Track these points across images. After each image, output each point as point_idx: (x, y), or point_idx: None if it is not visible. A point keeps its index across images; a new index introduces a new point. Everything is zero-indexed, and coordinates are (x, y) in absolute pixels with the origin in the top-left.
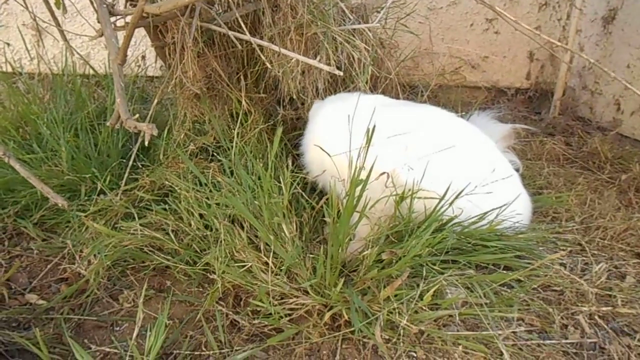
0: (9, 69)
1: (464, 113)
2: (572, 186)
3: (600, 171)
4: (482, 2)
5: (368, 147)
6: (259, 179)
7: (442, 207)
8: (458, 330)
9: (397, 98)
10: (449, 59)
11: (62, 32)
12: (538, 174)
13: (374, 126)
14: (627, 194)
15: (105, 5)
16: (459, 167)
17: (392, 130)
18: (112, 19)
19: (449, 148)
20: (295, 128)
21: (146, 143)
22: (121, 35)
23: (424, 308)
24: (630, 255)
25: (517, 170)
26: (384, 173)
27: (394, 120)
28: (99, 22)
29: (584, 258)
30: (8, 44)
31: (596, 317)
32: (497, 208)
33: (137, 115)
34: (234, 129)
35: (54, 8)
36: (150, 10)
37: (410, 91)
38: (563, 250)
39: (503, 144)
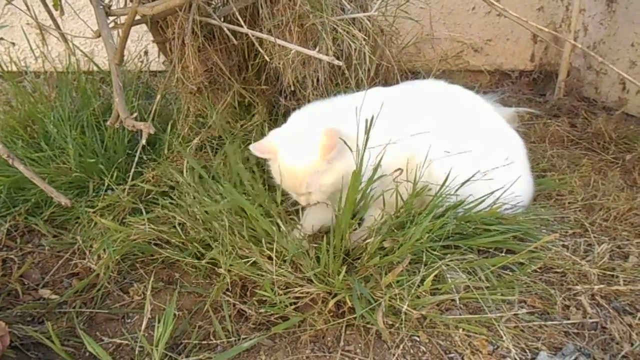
0: (15, 69)
1: None
2: (576, 167)
3: (604, 151)
4: None
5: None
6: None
7: (443, 194)
8: (460, 314)
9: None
10: (451, 43)
11: (61, 34)
12: (542, 156)
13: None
14: (631, 173)
15: (102, 7)
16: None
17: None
18: (111, 18)
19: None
20: None
21: (143, 142)
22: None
23: (425, 293)
24: (634, 235)
25: None
26: (398, 169)
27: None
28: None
29: (587, 239)
30: (13, 44)
31: (598, 297)
32: (494, 192)
33: (135, 114)
34: (238, 122)
35: (52, 10)
36: (144, 12)
37: (412, 77)
38: (564, 232)
39: None
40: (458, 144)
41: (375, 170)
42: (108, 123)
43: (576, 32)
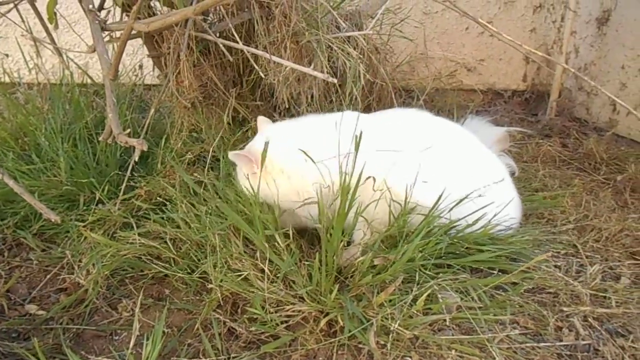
0: (8, 80)
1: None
2: (568, 187)
3: (596, 172)
4: (464, 14)
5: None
6: None
7: (433, 215)
8: (453, 335)
9: (392, 104)
10: (445, 62)
11: (56, 48)
12: (534, 176)
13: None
14: (622, 194)
15: (97, 22)
16: (451, 174)
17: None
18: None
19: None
20: None
21: (136, 159)
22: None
23: (417, 313)
24: (625, 256)
25: (512, 173)
26: (369, 177)
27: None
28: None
29: (579, 260)
30: (7, 55)
31: (590, 318)
32: (480, 208)
33: (128, 130)
34: (232, 137)
35: (47, 22)
36: (140, 28)
37: (406, 95)
38: (556, 252)
39: (498, 147)
40: (428, 168)
41: (356, 185)
42: (101, 138)
43: (567, 54)
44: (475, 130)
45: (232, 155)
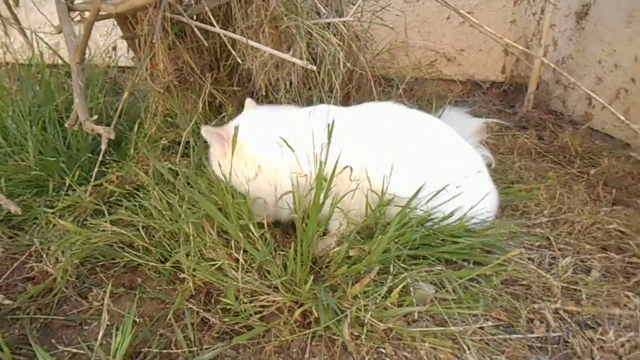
0: None
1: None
2: (543, 180)
3: (570, 165)
4: (445, 4)
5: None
6: None
7: (409, 207)
8: (427, 326)
9: (371, 93)
10: (425, 51)
11: (21, 28)
12: (510, 167)
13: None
14: (595, 188)
15: (63, 1)
16: (427, 166)
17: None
18: (76, 12)
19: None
20: None
21: (103, 147)
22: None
23: (391, 305)
24: (597, 250)
25: (489, 165)
26: (347, 167)
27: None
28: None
29: (552, 252)
30: None
31: (561, 311)
32: (452, 198)
33: (95, 117)
34: (207, 123)
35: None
36: (107, 10)
37: (386, 84)
38: (530, 245)
39: (476, 139)
40: (404, 160)
41: (332, 175)
42: (67, 124)
43: (546, 47)
44: (453, 121)
45: (204, 130)
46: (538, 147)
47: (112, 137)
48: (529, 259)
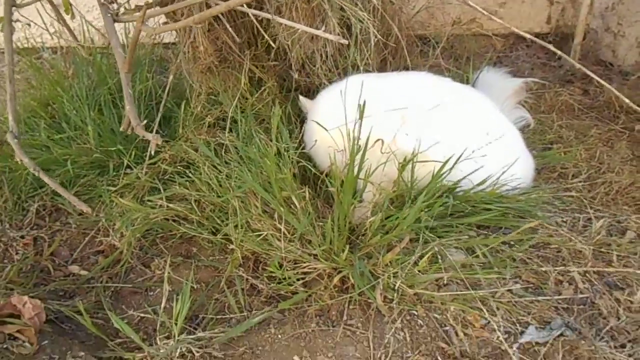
0: (32, 45)
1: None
2: (584, 139)
3: (614, 122)
4: None
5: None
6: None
7: (441, 173)
8: (457, 290)
9: (406, 58)
10: (464, 7)
11: (71, 31)
12: (549, 127)
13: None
14: (639, 145)
15: (109, 14)
16: (456, 131)
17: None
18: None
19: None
20: (310, 91)
21: (152, 152)
22: None
23: (421, 272)
24: (634, 210)
25: (527, 126)
26: (378, 140)
27: (387, 93)
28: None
29: (586, 215)
30: (29, 24)
31: (590, 273)
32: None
33: (145, 121)
34: (249, 99)
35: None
36: (147, 32)
37: (423, 44)
38: (564, 208)
39: (514, 100)
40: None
41: (365, 146)
42: (121, 128)
43: None
44: (490, 83)
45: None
46: (581, 103)
47: (160, 142)
48: (563, 221)
